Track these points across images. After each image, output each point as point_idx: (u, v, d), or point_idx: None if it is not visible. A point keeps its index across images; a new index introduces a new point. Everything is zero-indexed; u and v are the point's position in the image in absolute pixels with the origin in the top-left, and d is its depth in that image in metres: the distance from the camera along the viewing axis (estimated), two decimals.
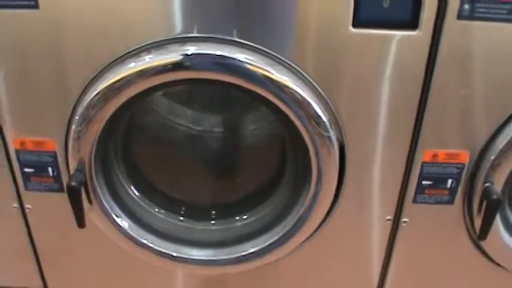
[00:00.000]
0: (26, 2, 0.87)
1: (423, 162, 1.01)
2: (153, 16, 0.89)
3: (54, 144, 0.99)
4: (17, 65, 0.93)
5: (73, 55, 0.92)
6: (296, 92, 0.90)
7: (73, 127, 0.95)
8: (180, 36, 0.89)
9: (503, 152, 0.97)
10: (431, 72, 0.91)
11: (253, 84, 0.90)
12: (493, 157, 0.98)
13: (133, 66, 0.89)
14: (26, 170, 1.03)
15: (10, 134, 1.00)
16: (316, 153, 0.95)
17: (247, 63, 0.88)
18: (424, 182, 1.03)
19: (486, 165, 0.99)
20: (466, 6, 0.86)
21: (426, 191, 1.04)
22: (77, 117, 0.93)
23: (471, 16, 0.86)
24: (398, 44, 0.89)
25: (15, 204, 1.08)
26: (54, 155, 1.00)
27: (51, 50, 0.91)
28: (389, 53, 0.90)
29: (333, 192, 1.01)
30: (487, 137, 0.98)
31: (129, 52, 0.90)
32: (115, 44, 0.90)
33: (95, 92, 0.90)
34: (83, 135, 0.95)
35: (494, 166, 0.99)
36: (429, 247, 1.13)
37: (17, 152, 1.01)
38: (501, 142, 0.97)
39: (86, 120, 0.93)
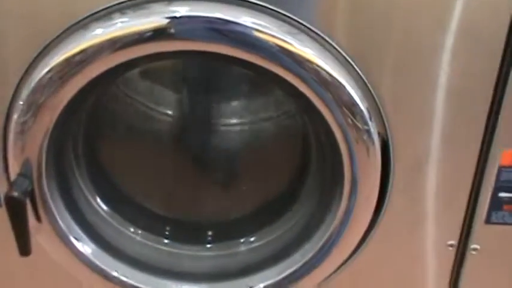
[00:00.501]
0: None
1: (500, 167, 0.97)
2: None
3: None
4: None
5: (14, 17, 0.86)
6: (323, 69, 0.85)
7: (14, 117, 0.90)
8: None
9: None
10: None
11: (264, 59, 0.85)
12: None
13: (100, 34, 0.84)
14: None
15: None
16: (350, 153, 0.91)
17: (256, 29, 0.83)
18: (501, 195, 1.00)
19: None
20: None
21: (505, 207, 1.01)
22: (21, 102, 0.89)
23: None
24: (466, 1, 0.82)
25: None
26: None
27: None
28: (453, 14, 0.84)
29: (372, 207, 0.98)
30: None
31: (94, 13, 0.85)
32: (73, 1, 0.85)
33: (46, 69, 0.85)
34: (29, 128, 0.90)
35: None
36: (507, 282, 1.11)
37: None
38: None
39: (34, 107, 0.89)
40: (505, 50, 0.87)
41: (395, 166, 0.96)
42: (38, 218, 0.99)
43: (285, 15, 0.85)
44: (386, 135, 0.94)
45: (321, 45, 0.86)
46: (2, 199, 0.96)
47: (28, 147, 0.93)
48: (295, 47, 0.84)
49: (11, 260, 1.03)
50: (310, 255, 1.03)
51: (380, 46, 0.88)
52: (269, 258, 1.09)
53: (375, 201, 0.97)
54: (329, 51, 0.86)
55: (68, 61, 0.84)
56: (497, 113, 0.92)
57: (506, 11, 0.84)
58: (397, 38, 0.88)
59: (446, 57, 0.88)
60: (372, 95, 0.90)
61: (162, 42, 0.85)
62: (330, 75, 0.85)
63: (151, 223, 1.15)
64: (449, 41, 0.86)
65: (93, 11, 0.85)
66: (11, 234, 0.95)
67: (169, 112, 1.20)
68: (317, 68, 0.85)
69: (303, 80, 0.86)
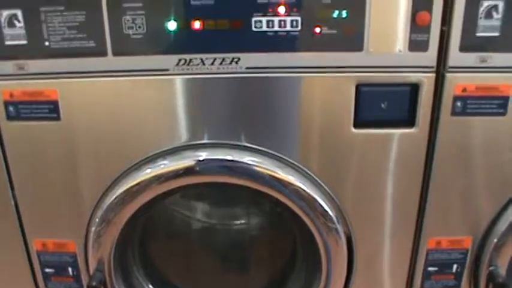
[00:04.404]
0: (50, 115, 1.04)
1: (428, 250, 1.13)
2: (165, 126, 1.04)
3: (74, 246, 1.13)
4: (37, 172, 1.09)
5: (90, 163, 1.07)
6: (301, 189, 1.04)
7: (92, 229, 1.08)
8: (192, 143, 1.04)
9: (505, 235, 1.10)
10: (431, 165, 1.06)
11: (260, 184, 1.04)
12: (495, 240, 1.10)
13: (149, 172, 1.04)
14: (47, 270, 1.16)
15: (31, 236, 1.14)
16: (325, 244, 1.08)
17: (255, 165, 1.03)
18: (430, 269, 1.16)
19: (489, 248, 1.11)
20: (459, 104, 1.02)
21: (432, 277, 1.16)
22: (97, 219, 1.07)
23: (464, 112, 1.02)
24: (398, 141, 1.04)
25: None
26: (74, 256, 1.14)
27: (69, 158, 1.07)
28: (390, 150, 1.05)
29: (342, 283, 1.12)
30: (489, 221, 1.11)
31: (144, 159, 1.05)
32: (131, 152, 1.05)
33: (114, 196, 1.05)
34: (103, 236, 1.08)
35: (498, 249, 1.11)
36: None
37: (38, 253, 1.15)
38: (503, 225, 1.10)
39: (105, 221, 1.07)
40: (424, 172, 1.07)
41: (357, 254, 1.12)
42: None
43: (274, 154, 1.05)
44: (350, 233, 1.10)
45: (300, 172, 1.06)
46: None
47: (102, 249, 1.10)
48: (281, 175, 1.04)
49: None
50: None
51: (342, 172, 1.07)
52: None
53: (344, 279, 1.12)
54: (306, 176, 1.06)
55: (128, 191, 1.05)
56: (423, 213, 1.10)
57: (424, 147, 1.05)
58: (354, 166, 1.06)
59: (388, 177, 1.07)
60: (338, 206, 1.08)
61: (191, 177, 1.05)
62: (307, 193, 1.05)
63: None
64: (390, 167, 1.06)
65: (144, 157, 1.05)
66: None
67: (200, 218, 1.33)
68: (297, 188, 1.05)
69: (288, 197, 1.05)
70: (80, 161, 1.07)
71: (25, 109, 1.04)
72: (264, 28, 0.97)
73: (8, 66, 1.01)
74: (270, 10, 0.96)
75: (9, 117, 1.05)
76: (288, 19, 0.97)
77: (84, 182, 1.09)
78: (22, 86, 1.03)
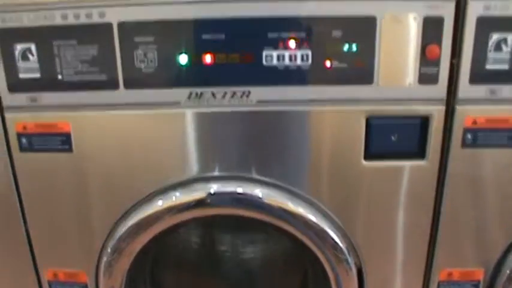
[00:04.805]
0: (62, 147, 1.04)
1: (439, 282, 1.12)
2: (176, 158, 1.05)
3: (85, 276, 1.13)
4: (48, 202, 1.09)
5: (102, 194, 1.07)
6: (311, 221, 1.04)
7: (104, 259, 1.09)
8: (203, 175, 1.05)
9: None
10: (441, 197, 1.05)
11: (271, 217, 1.05)
12: (508, 271, 1.09)
13: (160, 204, 1.04)
14: None
15: (42, 266, 1.14)
16: (336, 276, 1.08)
17: (265, 198, 1.03)
18: None
19: (502, 280, 1.10)
20: (469, 136, 1.02)
21: None
22: (108, 249, 1.08)
23: (474, 144, 1.02)
24: (408, 173, 1.04)
25: None
26: (85, 286, 1.14)
27: (81, 189, 1.07)
28: (401, 182, 1.05)
29: None
30: (501, 252, 1.10)
31: (156, 191, 1.05)
32: (143, 184, 1.05)
33: (125, 228, 1.06)
34: (114, 265, 1.09)
35: (510, 280, 1.10)
36: None
37: (50, 282, 1.15)
38: None
39: (117, 252, 1.08)
40: (435, 204, 1.06)
41: (368, 285, 1.11)
42: None
43: (284, 187, 1.05)
44: (360, 265, 1.10)
45: (311, 204, 1.06)
46: None
47: (113, 279, 1.10)
48: (291, 207, 1.04)
49: None
50: None
51: (352, 204, 1.07)
52: None
53: None
54: (316, 208, 1.06)
55: (139, 222, 1.05)
56: (434, 245, 1.09)
57: (434, 179, 1.05)
58: (364, 198, 1.06)
59: (399, 209, 1.06)
60: (348, 237, 1.07)
61: (202, 209, 1.05)
62: (317, 225, 1.05)
63: None
64: (400, 199, 1.05)
65: (155, 189, 1.05)
66: None
67: (211, 246, 1.33)
68: (307, 220, 1.05)
69: (298, 229, 1.05)
70: (91, 192, 1.08)
71: (38, 141, 1.05)
72: (275, 62, 0.98)
73: (22, 98, 1.02)
74: (281, 44, 0.97)
75: (22, 149, 1.06)
76: (299, 53, 0.97)
77: (95, 213, 1.09)
78: (35, 119, 1.04)
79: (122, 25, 0.97)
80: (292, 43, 0.97)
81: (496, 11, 0.95)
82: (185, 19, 0.97)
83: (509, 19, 0.95)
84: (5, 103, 1.03)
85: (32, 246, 1.13)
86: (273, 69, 0.98)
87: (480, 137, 1.02)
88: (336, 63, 0.97)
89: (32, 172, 1.07)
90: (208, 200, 1.03)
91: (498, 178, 1.05)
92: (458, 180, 1.05)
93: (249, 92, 0.99)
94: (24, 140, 1.05)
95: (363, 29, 0.96)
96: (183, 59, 0.98)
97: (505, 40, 0.97)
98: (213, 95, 1.00)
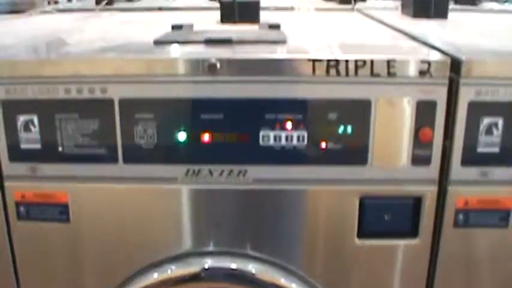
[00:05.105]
0: (59, 217, 1.05)
1: None
2: (171, 233, 1.06)
3: None
4: (44, 271, 1.09)
5: (97, 265, 1.08)
6: None
7: None
8: (198, 250, 1.05)
9: None
10: (433, 276, 1.06)
11: None
12: None
13: (156, 277, 1.05)
14: None
15: None
16: None
17: (258, 275, 1.04)
18: None
19: None
20: (461, 216, 1.03)
21: None
22: None
23: (466, 224, 1.03)
24: (402, 252, 1.05)
25: None
26: None
27: (76, 259, 1.08)
28: (394, 260, 1.06)
29: None
30: None
31: (151, 264, 1.05)
32: (138, 256, 1.06)
33: None
34: None
35: None
36: None
37: None
38: None
39: None
40: (427, 282, 1.07)
41: None
42: None
43: (278, 263, 1.05)
44: None
45: (303, 281, 1.05)
46: None
47: None
48: (283, 284, 1.04)
49: None
50: None
51: (346, 281, 1.08)
52: None
53: None
54: (310, 286, 1.06)
55: None
56: None
57: (427, 257, 1.05)
58: (357, 276, 1.07)
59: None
60: None
61: (197, 283, 1.05)
62: None
63: None
64: (393, 277, 1.06)
65: (150, 262, 1.05)
66: None
67: None
68: None
69: None
70: (87, 263, 1.08)
71: (35, 210, 1.06)
72: (271, 142, 0.99)
73: (22, 168, 1.04)
74: (278, 125, 0.99)
75: (20, 217, 1.06)
76: (295, 134, 0.99)
77: (90, 283, 1.09)
78: (34, 188, 1.05)
79: (122, 101, 0.99)
80: (289, 124, 0.99)
81: (487, 96, 0.98)
82: (185, 98, 0.99)
83: (499, 104, 0.98)
84: (5, 172, 1.04)
85: None
86: (270, 149, 1.00)
87: (472, 217, 1.03)
88: (331, 145, 0.99)
89: (28, 241, 1.08)
90: (203, 275, 1.04)
91: (491, 258, 1.06)
92: (451, 259, 1.05)
93: (246, 171, 1.01)
94: (22, 209, 1.06)
95: (358, 112, 0.98)
96: (181, 136, 1.00)
97: (495, 124, 0.99)
98: (210, 172, 1.01)
